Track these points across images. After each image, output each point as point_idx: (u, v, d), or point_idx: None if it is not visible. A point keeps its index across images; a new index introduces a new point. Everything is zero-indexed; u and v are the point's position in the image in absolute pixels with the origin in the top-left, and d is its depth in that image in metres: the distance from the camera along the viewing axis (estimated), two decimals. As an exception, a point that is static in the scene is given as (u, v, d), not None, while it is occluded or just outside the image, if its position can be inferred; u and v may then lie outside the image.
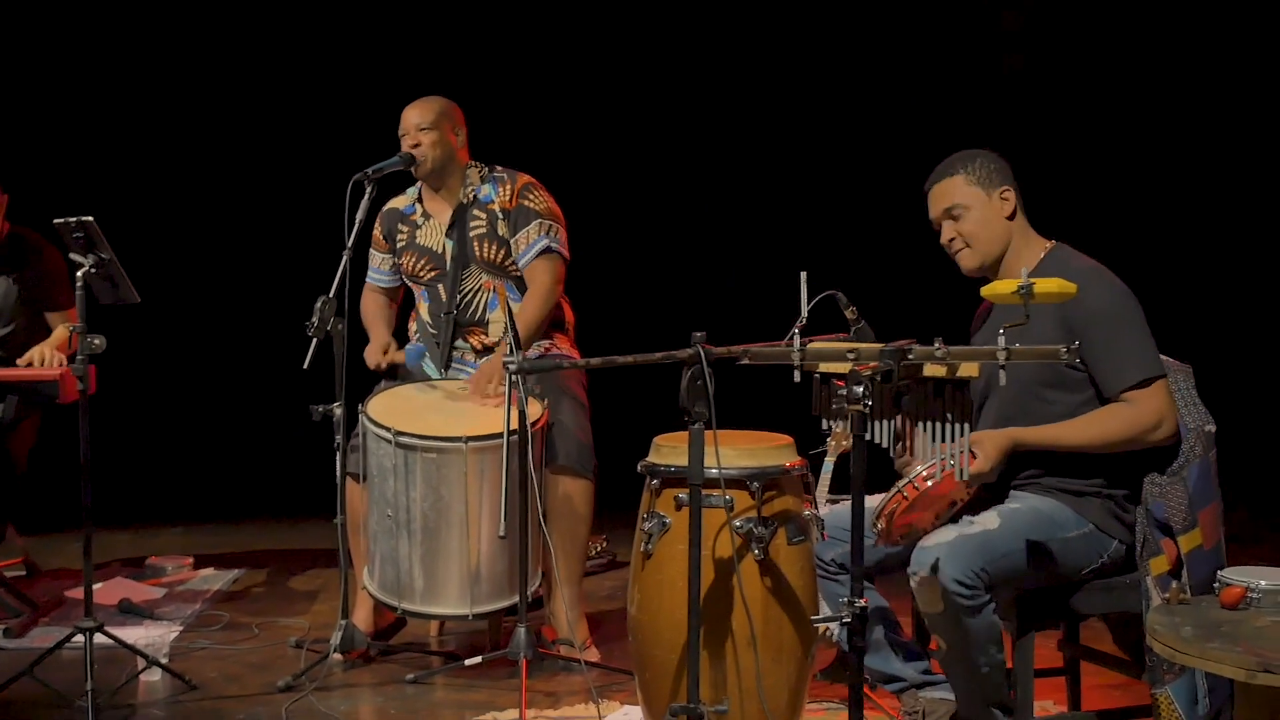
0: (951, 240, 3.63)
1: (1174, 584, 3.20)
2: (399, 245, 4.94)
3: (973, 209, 3.60)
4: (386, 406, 4.57)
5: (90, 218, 4.18)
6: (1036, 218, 3.68)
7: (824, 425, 3.16)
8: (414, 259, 4.89)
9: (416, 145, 4.76)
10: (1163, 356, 3.55)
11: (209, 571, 5.93)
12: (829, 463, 4.04)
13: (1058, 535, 3.46)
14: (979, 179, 3.60)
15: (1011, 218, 3.60)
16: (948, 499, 3.38)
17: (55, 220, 4.23)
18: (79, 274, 4.17)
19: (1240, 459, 4.16)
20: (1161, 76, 7.50)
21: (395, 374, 4.89)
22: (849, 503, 3.63)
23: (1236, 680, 2.82)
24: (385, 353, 4.85)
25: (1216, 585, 3.14)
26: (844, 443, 3.60)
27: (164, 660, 4.57)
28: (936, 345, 3.00)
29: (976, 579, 3.32)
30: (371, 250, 5.03)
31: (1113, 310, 3.45)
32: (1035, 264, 3.56)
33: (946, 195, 3.62)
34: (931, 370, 3.02)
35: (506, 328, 4.18)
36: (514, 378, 4.12)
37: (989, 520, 3.43)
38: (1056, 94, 7.43)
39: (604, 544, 5.95)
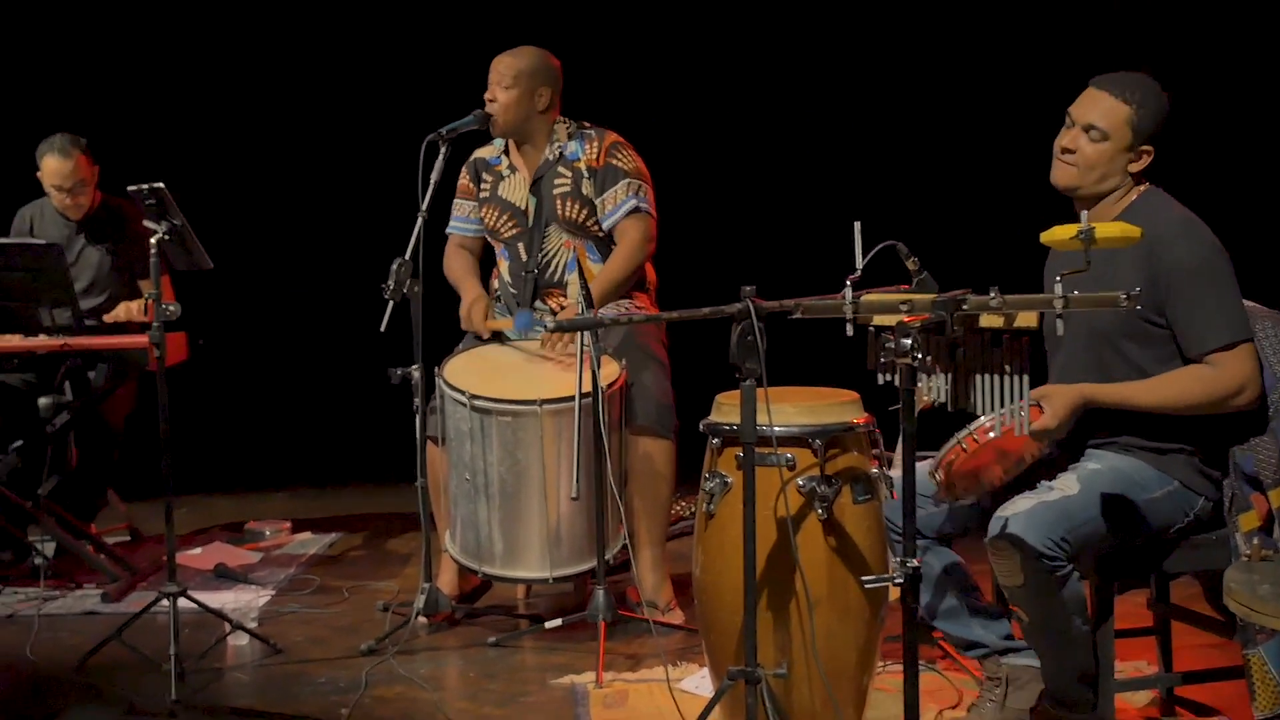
0: (1068, 150, 3.38)
1: (1255, 540, 3.04)
2: (482, 196, 4.87)
3: (1110, 142, 3.34)
4: (462, 369, 4.54)
5: (161, 184, 4.20)
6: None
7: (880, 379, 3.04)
8: (496, 213, 4.83)
9: (493, 101, 4.70)
10: (1250, 303, 3.38)
11: (306, 536, 5.98)
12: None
13: (1141, 496, 3.30)
14: (1139, 123, 3.32)
15: (1137, 175, 3.38)
16: (1017, 454, 3.25)
17: (129, 187, 4.26)
18: (152, 240, 4.20)
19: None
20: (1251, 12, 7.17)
21: (501, 339, 4.80)
22: (923, 463, 3.53)
23: (1318, 642, 2.69)
24: (485, 316, 4.75)
25: (1303, 541, 2.99)
26: (924, 399, 3.49)
27: (252, 624, 4.60)
28: (992, 294, 2.87)
29: (1058, 548, 3.18)
30: (457, 200, 4.96)
31: (1202, 266, 3.26)
32: (1125, 208, 3.39)
33: (1100, 110, 3.34)
34: (988, 321, 2.89)
35: (580, 285, 4.12)
36: (587, 338, 4.09)
37: (1068, 485, 3.27)
38: (1134, 32, 7.14)
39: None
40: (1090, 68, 3.44)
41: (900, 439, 2.86)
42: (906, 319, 2.83)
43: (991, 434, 3.09)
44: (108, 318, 5.16)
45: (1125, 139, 3.35)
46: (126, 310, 5.14)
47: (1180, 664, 3.74)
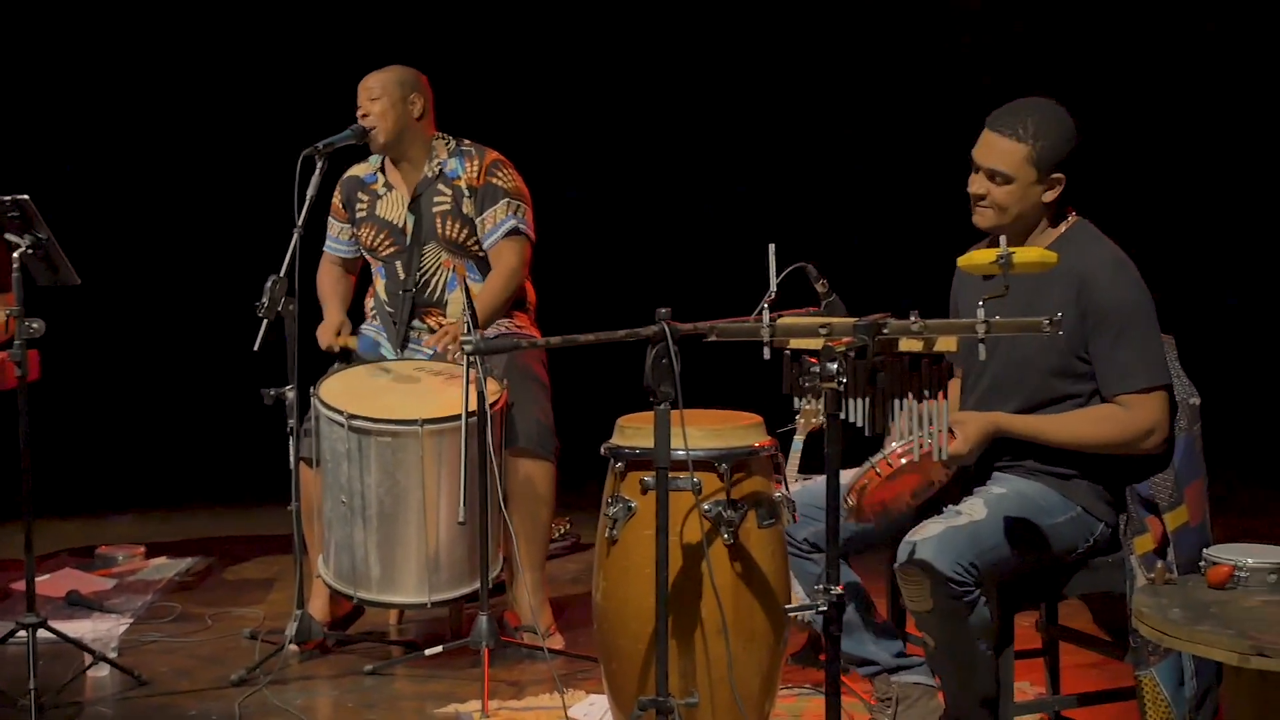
0: (979, 196, 3.38)
1: (1159, 563, 3.09)
2: (358, 216, 4.76)
3: (1017, 183, 3.33)
4: (339, 388, 4.41)
5: (26, 196, 4.01)
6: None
7: (796, 403, 3.02)
8: (373, 232, 4.71)
9: (365, 116, 4.59)
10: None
11: (161, 560, 5.74)
12: (798, 440, 3.91)
13: (1046, 521, 3.32)
14: (1039, 158, 3.31)
15: (1051, 204, 3.38)
16: (925, 478, 3.25)
17: (-11, 198, 4.06)
18: (15, 255, 4.01)
19: (1224, 432, 4.06)
20: (1147, 37, 7.36)
21: (349, 357, 4.72)
22: (820, 480, 3.51)
23: (1227, 664, 2.72)
24: (339, 333, 4.70)
25: (1203, 564, 3.04)
26: (813, 420, 3.47)
27: (113, 655, 4.41)
28: (912, 319, 2.86)
29: (967, 573, 3.18)
30: (330, 218, 4.84)
31: (1128, 308, 3.29)
32: (1054, 239, 3.38)
33: (998, 154, 3.33)
34: (908, 345, 2.88)
35: (464, 306, 4.03)
36: (472, 358, 4.00)
37: (975, 510, 3.28)
38: (1038, 61, 7.29)
39: (567, 526, 5.81)
40: (998, 89, 3.48)
41: (826, 463, 2.82)
42: (832, 344, 2.79)
43: (904, 459, 3.08)
44: None
45: (1030, 175, 3.34)
46: None
47: (1068, 685, 3.78)
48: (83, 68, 7.53)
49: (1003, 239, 2.86)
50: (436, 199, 4.65)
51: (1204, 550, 3.07)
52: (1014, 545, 3.26)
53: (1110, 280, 3.28)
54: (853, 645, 3.62)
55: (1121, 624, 3.42)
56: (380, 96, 4.59)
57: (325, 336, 4.69)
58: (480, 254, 4.64)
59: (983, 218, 3.40)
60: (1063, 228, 3.41)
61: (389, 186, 4.73)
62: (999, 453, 3.35)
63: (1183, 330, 3.50)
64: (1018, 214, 3.37)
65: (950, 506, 3.30)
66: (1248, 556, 2.97)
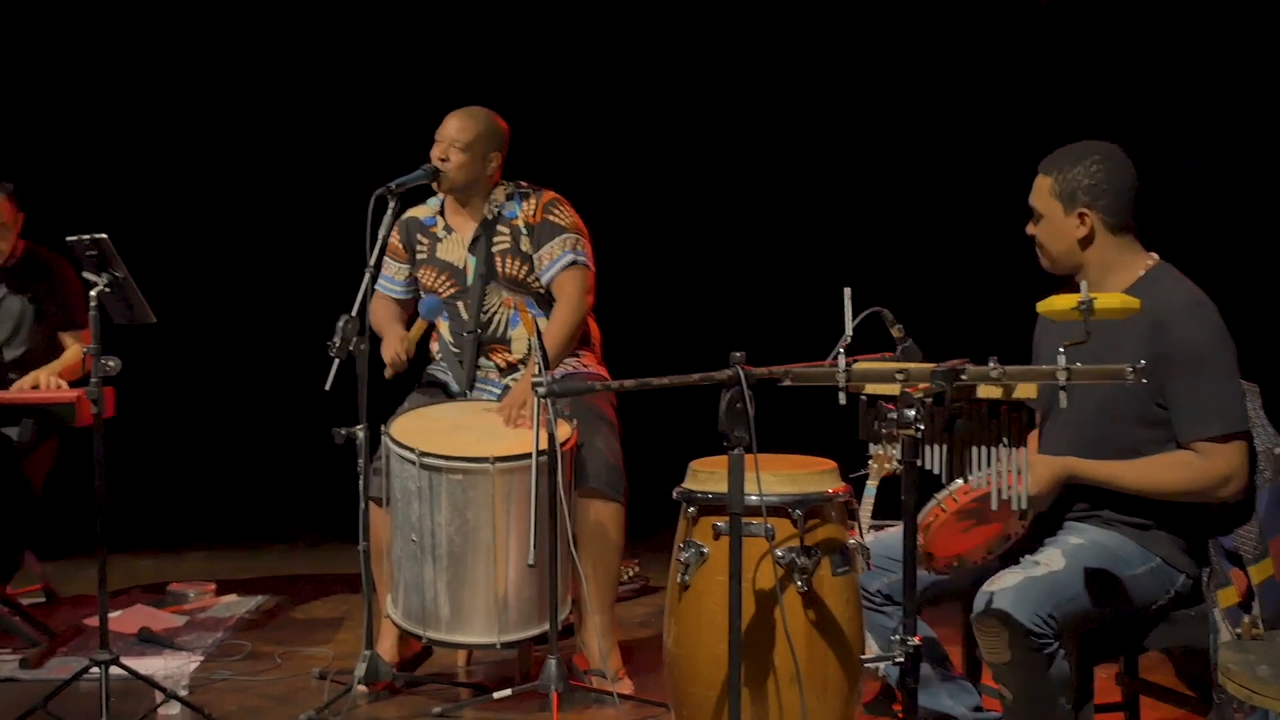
0: (1033, 237, 3.42)
1: (1246, 618, 3.01)
2: (418, 258, 4.77)
3: (1047, 219, 3.35)
4: (410, 427, 4.41)
5: (104, 235, 4.05)
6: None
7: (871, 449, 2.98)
8: (434, 274, 4.72)
9: (445, 160, 4.60)
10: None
11: (231, 598, 5.77)
12: (871, 486, 3.87)
13: (1125, 572, 3.25)
14: (1062, 191, 3.31)
15: (1085, 242, 3.33)
16: (1001, 532, 3.19)
17: (68, 238, 4.10)
18: (92, 293, 4.04)
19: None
20: (1235, 75, 7.23)
21: (422, 368, 4.69)
22: (892, 531, 3.47)
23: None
24: (402, 342, 4.64)
25: (1291, 619, 2.96)
26: (886, 465, 3.43)
27: (183, 692, 4.43)
28: (991, 365, 2.81)
29: (1046, 625, 3.12)
30: (387, 258, 4.84)
31: (1206, 351, 3.22)
32: (1131, 283, 3.32)
33: (1035, 192, 3.38)
34: (986, 392, 2.83)
35: (534, 347, 4.02)
36: (545, 399, 3.98)
37: (1053, 560, 3.21)
38: (1125, 100, 7.18)
39: (636, 568, 5.78)
40: (1080, 133, 3.43)
41: (902, 511, 2.78)
42: (910, 389, 2.75)
43: (969, 496, 3.02)
44: (17, 385, 4.95)
45: (1056, 211, 3.34)
46: (35, 380, 4.92)
47: (1146, 741, 3.70)
48: (160, 110, 7.64)
49: (1084, 284, 2.81)
50: (496, 239, 4.66)
51: (1291, 604, 3.00)
52: (1093, 596, 3.19)
53: (1186, 322, 3.22)
54: (928, 699, 3.55)
55: (1205, 678, 3.34)
56: (466, 150, 4.59)
57: (389, 349, 4.63)
58: (540, 289, 4.65)
59: (1040, 257, 3.42)
60: (1142, 270, 3.36)
61: (449, 229, 4.74)
62: (1073, 502, 3.29)
63: (1267, 378, 3.43)
64: (1057, 252, 3.37)
65: (1027, 556, 3.24)
66: (1337, 611, 2.89)
